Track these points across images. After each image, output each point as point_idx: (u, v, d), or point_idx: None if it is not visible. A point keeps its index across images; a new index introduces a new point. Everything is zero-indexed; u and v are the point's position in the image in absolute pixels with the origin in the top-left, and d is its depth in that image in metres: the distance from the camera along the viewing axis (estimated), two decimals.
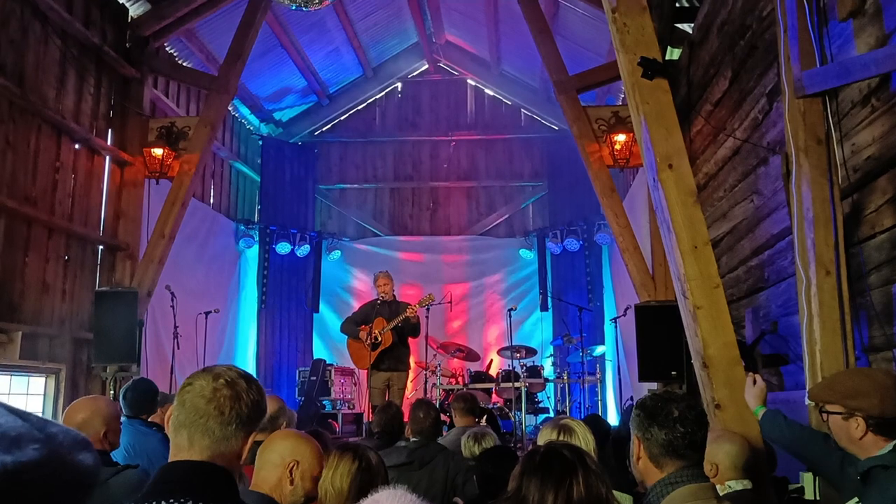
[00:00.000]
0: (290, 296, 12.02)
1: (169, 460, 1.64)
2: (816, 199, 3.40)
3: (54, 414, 6.30)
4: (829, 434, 2.70)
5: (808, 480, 3.13)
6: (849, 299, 3.34)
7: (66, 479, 0.66)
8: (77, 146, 7.20)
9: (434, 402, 8.08)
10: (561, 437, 2.78)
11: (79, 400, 3.23)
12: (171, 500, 1.50)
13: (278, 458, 2.26)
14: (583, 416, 7.78)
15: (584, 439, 2.81)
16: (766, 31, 4.69)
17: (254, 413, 1.69)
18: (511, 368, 8.84)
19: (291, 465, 2.25)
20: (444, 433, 6.00)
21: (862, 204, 3.52)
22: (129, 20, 8.03)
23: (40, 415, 0.70)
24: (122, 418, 4.19)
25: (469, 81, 12.83)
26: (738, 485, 2.76)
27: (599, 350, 9.92)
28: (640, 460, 2.10)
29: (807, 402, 3.20)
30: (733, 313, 4.15)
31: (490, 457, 3.49)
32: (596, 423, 4.69)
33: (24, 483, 0.60)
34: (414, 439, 4.07)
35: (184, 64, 9.44)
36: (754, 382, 3.28)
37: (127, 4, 7.98)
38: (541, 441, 2.89)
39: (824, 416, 2.52)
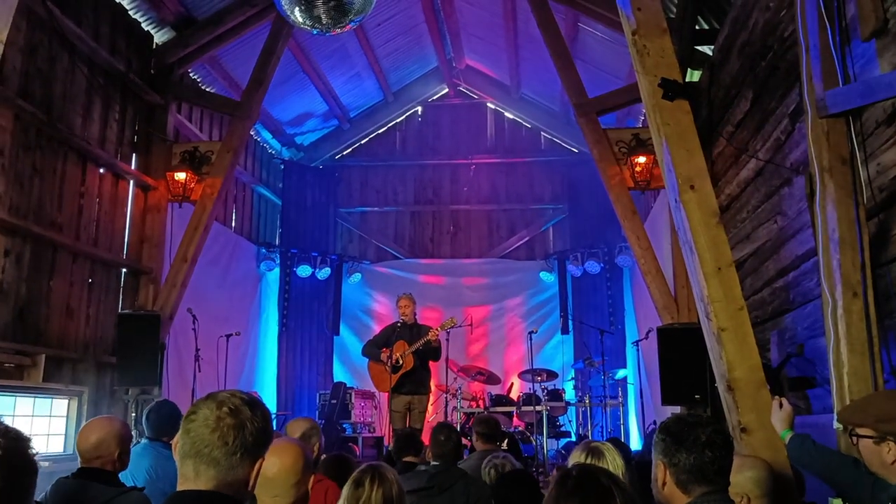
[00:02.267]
0: (310, 319, 12.06)
1: (177, 489, 1.64)
2: (842, 219, 3.36)
3: (76, 436, 6.33)
4: (859, 458, 2.64)
5: None
6: (877, 321, 3.28)
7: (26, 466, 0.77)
8: (102, 171, 7.30)
9: (455, 425, 8.04)
10: (590, 460, 2.75)
11: (93, 420, 3.23)
12: None
13: (288, 480, 2.22)
14: (604, 440, 7.68)
15: (613, 462, 2.78)
16: (788, 52, 4.67)
17: (259, 440, 1.67)
18: (532, 392, 8.77)
19: (299, 483, 2.22)
20: (465, 457, 5.95)
21: (888, 224, 3.47)
22: (154, 48, 8.17)
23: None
24: (144, 440, 4.23)
25: (489, 105, 12.89)
26: None
27: (621, 373, 9.82)
28: (666, 486, 2.07)
29: (835, 425, 3.13)
30: (758, 336, 4.09)
31: (508, 481, 3.45)
32: (617, 446, 4.62)
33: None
34: (434, 463, 4.03)
35: (207, 90, 9.58)
36: (780, 406, 3.23)
37: (152, 32, 8.13)
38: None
39: (854, 439, 2.47)
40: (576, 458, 2.89)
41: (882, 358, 3.28)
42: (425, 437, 5.40)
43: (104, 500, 2.61)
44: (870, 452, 2.42)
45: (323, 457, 3.94)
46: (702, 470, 1.98)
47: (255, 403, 1.70)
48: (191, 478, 1.61)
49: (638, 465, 4.19)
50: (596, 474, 1.81)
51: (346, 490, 2.52)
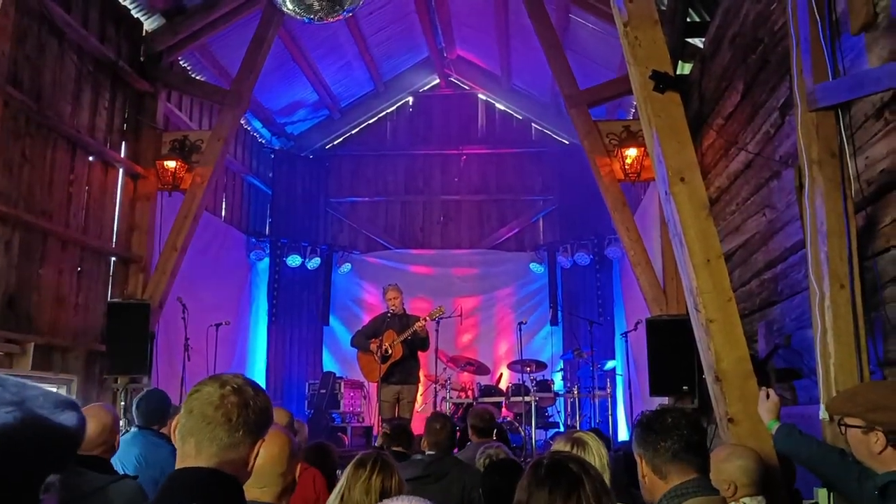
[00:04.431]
0: (300, 308, 12.06)
1: (176, 468, 1.64)
2: (830, 212, 3.38)
3: None
4: (845, 449, 2.67)
5: (822, 496, 3.09)
6: (863, 313, 3.31)
7: (44, 441, 0.66)
8: (91, 159, 7.26)
9: None
10: (574, 451, 2.77)
11: (90, 408, 3.22)
12: None
13: (275, 469, 2.21)
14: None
15: (597, 453, 2.80)
16: (779, 45, 4.69)
17: (261, 420, 1.69)
18: (521, 382, 8.81)
19: (286, 473, 2.23)
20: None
21: (876, 217, 3.50)
22: (144, 35, 8.12)
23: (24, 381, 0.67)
24: (134, 428, 4.24)
25: (480, 96, 12.88)
26: (752, 501, 2.73)
27: (610, 364, 9.88)
28: (646, 477, 2.10)
29: (821, 416, 3.17)
30: (746, 327, 4.12)
31: (496, 469, 3.47)
32: (599, 437, 4.66)
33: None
34: (430, 452, 4.05)
35: (197, 78, 9.52)
36: (767, 396, 3.26)
37: (142, 19, 8.07)
38: None
39: (842, 428, 2.49)
40: (559, 448, 2.91)
41: (868, 349, 3.32)
42: (414, 427, 5.43)
43: (97, 487, 2.61)
44: (857, 442, 2.44)
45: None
46: (671, 450, 2.02)
47: (257, 385, 1.73)
48: (192, 455, 1.62)
49: (625, 455, 4.23)
50: (566, 462, 1.84)
51: (347, 470, 2.54)
